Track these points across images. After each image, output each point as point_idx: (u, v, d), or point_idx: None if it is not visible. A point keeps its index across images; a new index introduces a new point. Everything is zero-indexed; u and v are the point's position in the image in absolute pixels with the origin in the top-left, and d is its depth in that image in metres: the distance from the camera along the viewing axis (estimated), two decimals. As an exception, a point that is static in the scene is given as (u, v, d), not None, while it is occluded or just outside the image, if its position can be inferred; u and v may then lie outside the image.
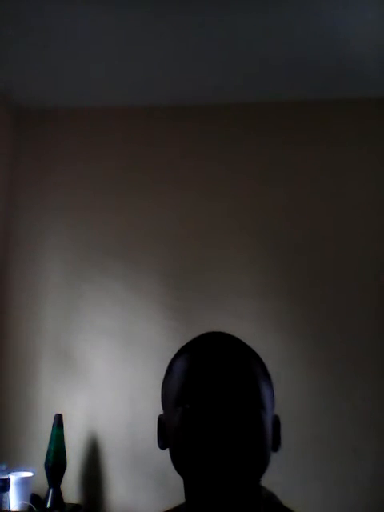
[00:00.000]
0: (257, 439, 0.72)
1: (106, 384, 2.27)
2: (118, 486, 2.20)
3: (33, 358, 2.33)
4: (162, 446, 0.82)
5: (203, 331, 0.94)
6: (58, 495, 2.07)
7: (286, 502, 0.83)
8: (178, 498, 0.80)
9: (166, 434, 0.80)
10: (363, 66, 2.06)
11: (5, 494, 1.99)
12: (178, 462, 0.75)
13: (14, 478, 2.00)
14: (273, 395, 0.80)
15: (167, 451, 0.80)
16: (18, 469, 2.08)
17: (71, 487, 2.19)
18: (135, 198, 2.38)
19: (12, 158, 2.49)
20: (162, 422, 0.84)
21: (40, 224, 2.43)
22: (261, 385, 0.76)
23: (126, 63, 2.12)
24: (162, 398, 0.84)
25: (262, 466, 0.73)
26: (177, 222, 2.33)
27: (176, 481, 0.79)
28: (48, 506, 2.05)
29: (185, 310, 2.26)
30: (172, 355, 0.86)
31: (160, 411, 0.87)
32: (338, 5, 1.71)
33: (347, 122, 2.30)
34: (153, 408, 2.41)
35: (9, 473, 2.02)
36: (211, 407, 0.71)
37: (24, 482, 2.01)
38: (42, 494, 2.10)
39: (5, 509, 1.97)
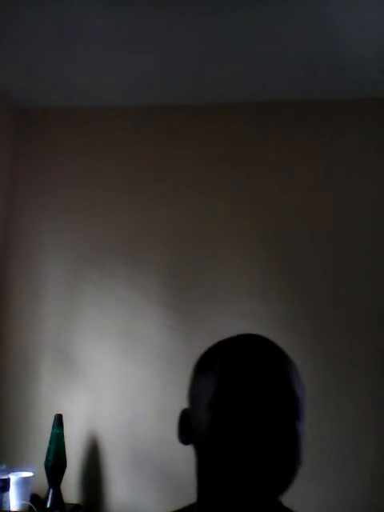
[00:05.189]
0: (291, 455, 0.70)
1: (106, 384, 2.27)
2: (118, 486, 2.20)
3: (33, 358, 2.33)
4: (185, 441, 0.80)
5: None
6: (58, 495, 2.07)
7: (286, 502, 0.82)
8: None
9: (192, 430, 0.78)
10: (363, 66, 2.05)
11: (5, 494, 1.99)
12: (205, 467, 0.74)
13: (14, 477, 2.00)
14: (304, 404, 0.79)
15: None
16: (18, 469, 2.08)
17: (71, 487, 2.20)
18: (135, 197, 2.38)
19: (12, 157, 2.49)
20: (186, 417, 0.81)
21: (40, 224, 2.43)
22: (299, 394, 0.74)
23: (125, 63, 2.12)
24: (191, 394, 0.81)
25: (291, 481, 0.71)
26: (177, 222, 2.33)
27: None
28: (48, 505, 2.05)
29: (185, 309, 2.26)
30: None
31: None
32: (339, 5, 1.71)
33: (347, 122, 2.30)
34: (153, 408, 2.43)
35: (9, 473, 2.02)
36: (247, 418, 0.69)
37: (24, 481, 2.01)
38: (42, 494, 2.10)
39: (5, 509, 1.97)
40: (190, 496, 2.32)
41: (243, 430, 0.69)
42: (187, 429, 0.79)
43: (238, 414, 0.69)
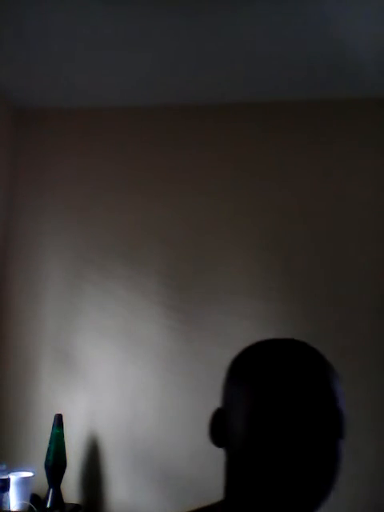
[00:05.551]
0: (329, 475, 0.68)
1: (106, 384, 2.27)
2: (118, 486, 2.20)
3: (33, 358, 2.33)
4: (218, 444, 0.76)
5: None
6: (58, 495, 2.07)
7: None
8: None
9: (225, 433, 0.74)
10: (363, 66, 2.06)
11: (5, 494, 1.99)
12: (238, 473, 0.72)
13: (14, 477, 2.00)
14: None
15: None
16: (18, 469, 2.08)
17: (71, 487, 2.20)
18: (135, 197, 2.38)
19: (12, 157, 2.49)
20: (220, 417, 0.76)
21: (40, 224, 2.43)
22: (343, 410, 0.70)
23: (125, 63, 2.12)
24: (225, 398, 0.77)
25: (325, 500, 0.69)
26: (177, 222, 2.33)
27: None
28: (48, 506, 2.05)
29: (185, 310, 2.26)
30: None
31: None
32: (339, 5, 1.71)
33: (347, 122, 2.30)
34: (153, 408, 2.42)
35: (9, 473, 2.02)
36: (288, 435, 0.66)
37: (24, 481, 2.01)
38: (42, 494, 2.10)
39: (5, 509, 1.97)
40: (190, 496, 2.32)
41: (283, 448, 0.66)
42: (221, 431, 0.75)
43: (278, 432, 0.66)
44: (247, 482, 0.69)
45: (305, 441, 0.66)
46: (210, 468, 2.08)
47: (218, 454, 2.26)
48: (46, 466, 2.09)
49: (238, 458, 0.71)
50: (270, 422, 0.67)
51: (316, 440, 0.66)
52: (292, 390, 0.67)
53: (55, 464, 2.08)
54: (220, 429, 0.75)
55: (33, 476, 2.05)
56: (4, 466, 2.04)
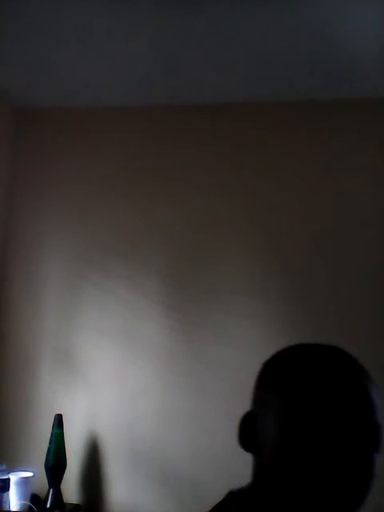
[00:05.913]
0: (363, 490, 0.67)
1: (106, 384, 2.27)
2: (118, 486, 2.20)
3: (33, 357, 2.33)
4: (247, 448, 0.73)
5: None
6: (58, 495, 2.08)
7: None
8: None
9: (256, 438, 0.72)
10: (363, 66, 2.06)
11: (5, 494, 1.99)
12: (268, 481, 0.69)
13: (14, 477, 2.00)
14: None
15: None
16: (18, 469, 2.08)
17: (71, 487, 2.20)
18: (135, 197, 2.38)
19: (12, 157, 2.49)
20: (250, 421, 0.73)
21: (39, 223, 2.43)
22: (380, 421, 0.68)
23: (125, 63, 2.12)
24: (256, 405, 0.75)
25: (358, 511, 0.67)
26: (177, 222, 2.33)
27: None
28: (48, 506, 2.05)
29: (185, 309, 2.26)
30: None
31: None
32: (339, 5, 1.71)
33: (347, 121, 2.30)
34: (153, 408, 2.42)
35: (9, 473, 2.02)
36: (322, 449, 0.64)
37: (24, 482, 2.01)
38: (42, 494, 2.10)
39: (5, 509, 1.97)
40: (190, 496, 2.32)
41: (317, 460, 0.64)
42: (251, 436, 0.73)
43: (312, 443, 0.65)
44: (278, 492, 0.68)
45: (339, 453, 0.64)
46: (210, 468, 2.08)
47: (218, 455, 2.27)
48: (46, 466, 2.09)
49: (270, 466, 0.69)
50: (304, 433, 0.66)
51: (351, 453, 0.65)
52: (328, 400, 0.66)
53: (55, 464, 2.08)
54: (250, 433, 0.73)
55: (33, 476, 2.05)
56: (4, 466, 2.04)
